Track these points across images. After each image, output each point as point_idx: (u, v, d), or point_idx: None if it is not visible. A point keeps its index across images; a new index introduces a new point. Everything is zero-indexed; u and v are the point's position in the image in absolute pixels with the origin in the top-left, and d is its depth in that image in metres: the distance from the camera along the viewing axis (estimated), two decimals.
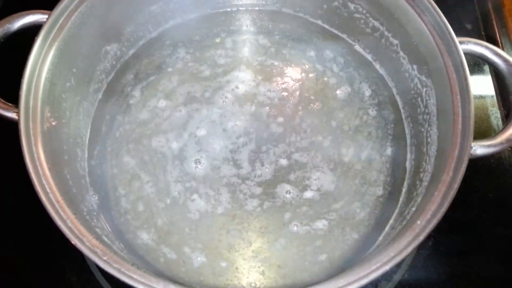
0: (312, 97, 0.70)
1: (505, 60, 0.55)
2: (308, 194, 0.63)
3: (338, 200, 0.63)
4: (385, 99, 0.70)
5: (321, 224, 0.62)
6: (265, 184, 0.64)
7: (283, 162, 0.65)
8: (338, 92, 0.71)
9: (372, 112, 0.69)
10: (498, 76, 0.78)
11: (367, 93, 0.71)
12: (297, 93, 0.70)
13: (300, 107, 0.69)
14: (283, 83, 0.71)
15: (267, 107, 0.69)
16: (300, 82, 0.71)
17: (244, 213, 0.62)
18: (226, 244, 0.61)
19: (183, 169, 0.65)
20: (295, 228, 0.61)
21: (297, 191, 0.64)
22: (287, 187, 0.64)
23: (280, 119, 0.68)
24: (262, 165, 0.65)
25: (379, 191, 0.64)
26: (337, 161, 0.65)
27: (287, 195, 0.63)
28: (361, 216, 0.62)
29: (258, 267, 0.60)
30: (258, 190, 0.64)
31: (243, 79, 0.72)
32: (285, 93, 0.70)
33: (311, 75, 0.72)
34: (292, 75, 0.72)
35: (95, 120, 0.68)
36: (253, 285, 0.59)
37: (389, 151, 0.67)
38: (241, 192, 0.64)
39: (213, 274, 0.59)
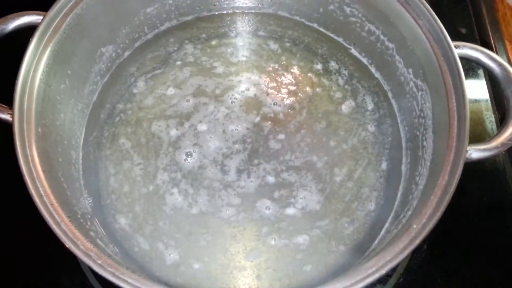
0: (319, 114, 0.69)
1: (500, 65, 0.55)
2: (289, 211, 0.62)
3: (323, 218, 0.62)
4: (385, 111, 0.70)
5: (301, 239, 0.60)
6: (245, 196, 0.63)
7: (270, 179, 0.64)
8: (343, 107, 0.70)
9: (372, 127, 0.68)
10: (492, 81, 0.78)
11: (370, 106, 0.70)
12: (304, 111, 0.70)
13: (304, 125, 0.68)
14: (291, 98, 0.71)
15: (271, 122, 0.68)
16: (307, 99, 0.71)
17: (217, 219, 0.62)
18: (199, 246, 0.60)
19: (174, 158, 0.65)
20: (272, 241, 0.61)
21: (278, 208, 0.62)
22: (268, 202, 0.63)
23: (281, 136, 0.67)
24: (248, 177, 0.64)
25: (371, 206, 0.63)
26: (327, 181, 0.64)
27: (267, 211, 0.62)
28: (350, 230, 0.61)
29: (232, 273, 0.59)
30: (237, 201, 0.63)
31: (255, 82, 0.72)
32: (291, 111, 0.70)
33: (318, 89, 0.72)
34: (300, 91, 0.71)
35: (94, 109, 0.69)
36: None
37: (384, 165, 0.66)
38: (219, 197, 0.63)
39: (188, 275, 0.59)
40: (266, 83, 0.72)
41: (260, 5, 0.77)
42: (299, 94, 0.71)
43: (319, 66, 0.74)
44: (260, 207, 0.63)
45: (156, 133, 0.68)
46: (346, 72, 0.73)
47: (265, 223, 0.62)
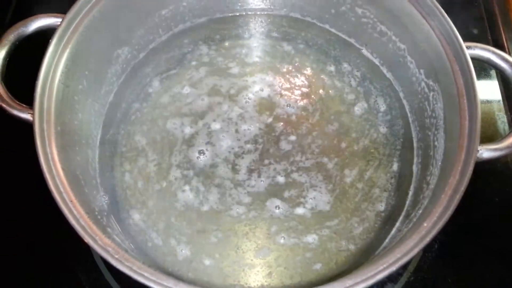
0: (332, 116, 0.70)
1: (511, 65, 0.55)
2: (299, 210, 0.63)
3: (333, 218, 0.62)
4: (397, 112, 0.70)
5: (311, 238, 0.61)
6: (255, 195, 0.64)
7: (280, 179, 0.65)
8: (356, 108, 0.70)
9: (383, 129, 0.69)
10: (505, 81, 0.78)
11: (382, 108, 0.70)
12: (317, 113, 0.70)
13: (316, 127, 0.69)
14: (304, 100, 0.71)
15: (283, 123, 0.69)
16: (320, 102, 0.71)
17: (228, 217, 0.63)
18: (210, 243, 0.61)
19: (187, 156, 0.67)
20: (282, 240, 0.61)
21: (288, 207, 0.63)
22: (278, 202, 0.63)
23: (292, 138, 0.68)
24: (259, 176, 0.65)
25: (381, 207, 0.63)
26: (337, 182, 0.65)
27: (276, 210, 0.63)
28: (359, 230, 0.62)
29: (244, 270, 0.60)
30: (247, 199, 0.64)
31: (269, 83, 0.73)
32: (304, 112, 0.70)
33: (331, 91, 0.72)
34: (313, 93, 0.72)
35: (110, 109, 0.70)
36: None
37: (395, 166, 0.66)
38: (230, 196, 0.64)
39: (200, 271, 0.60)
40: (280, 85, 0.73)
41: (272, 7, 0.78)
42: (312, 96, 0.72)
43: (332, 68, 0.74)
44: (270, 206, 0.63)
45: (171, 131, 0.69)
46: (358, 74, 0.74)
47: (275, 222, 0.62)
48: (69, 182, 0.51)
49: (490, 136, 0.74)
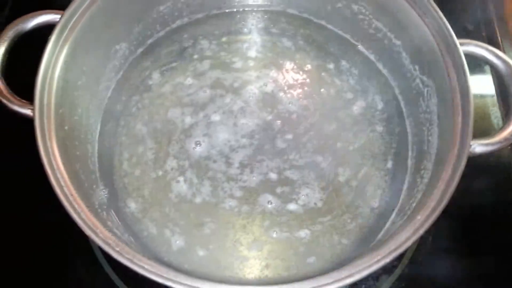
0: (331, 116, 0.70)
1: (504, 62, 0.56)
2: (291, 206, 0.63)
3: (326, 214, 0.63)
4: (393, 109, 0.70)
5: (303, 233, 0.62)
6: (247, 190, 0.64)
7: (273, 176, 0.65)
8: (354, 108, 0.71)
9: (379, 128, 0.69)
10: (499, 76, 0.79)
11: (380, 106, 0.71)
12: (317, 113, 0.70)
13: (314, 126, 0.69)
14: (306, 99, 0.71)
15: (281, 121, 0.69)
16: (321, 101, 0.71)
17: (220, 210, 0.63)
18: (203, 234, 0.62)
19: (184, 145, 0.67)
20: (274, 234, 0.62)
21: (280, 203, 0.64)
22: (270, 197, 0.64)
23: (289, 136, 0.68)
24: (251, 172, 0.65)
25: (375, 203, 0.64)
26: (330, 180, 0.65)
27: (268, 205, 0.63)
28: (352, 226, 0.62)
29: (242, 262, 0.61)
30: (239, 193, 0.64)
31: (273, 79, 0.73)
32: (305, 112, 0.70)
33: (331, 90, 0.72)
34: (315, 91, 0.72)
35: (109, 103, 0.71)
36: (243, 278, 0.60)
37: (390, 164, 0.66)
38: (222, 189, 0.64)
39: (195, 262, 0.60)
40: (284, 81, 0.73)
41: (269, 3, 0.79)
42: (314, 94, 0.72)
43: (331, 66, 0.75)
44: (262, 201, 0.64)
45: (171, 120, 0.69)
46: (356, 72, 0.74)
47: (267, 216, 0.63)
48: (69, 176, 0.52)
49: (484, 130, 0.75)
